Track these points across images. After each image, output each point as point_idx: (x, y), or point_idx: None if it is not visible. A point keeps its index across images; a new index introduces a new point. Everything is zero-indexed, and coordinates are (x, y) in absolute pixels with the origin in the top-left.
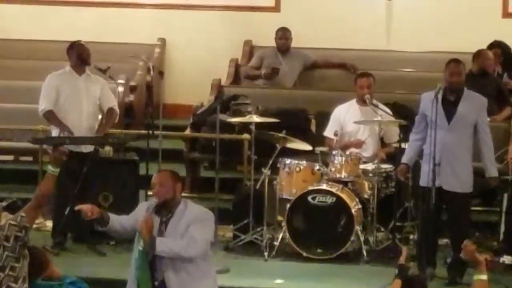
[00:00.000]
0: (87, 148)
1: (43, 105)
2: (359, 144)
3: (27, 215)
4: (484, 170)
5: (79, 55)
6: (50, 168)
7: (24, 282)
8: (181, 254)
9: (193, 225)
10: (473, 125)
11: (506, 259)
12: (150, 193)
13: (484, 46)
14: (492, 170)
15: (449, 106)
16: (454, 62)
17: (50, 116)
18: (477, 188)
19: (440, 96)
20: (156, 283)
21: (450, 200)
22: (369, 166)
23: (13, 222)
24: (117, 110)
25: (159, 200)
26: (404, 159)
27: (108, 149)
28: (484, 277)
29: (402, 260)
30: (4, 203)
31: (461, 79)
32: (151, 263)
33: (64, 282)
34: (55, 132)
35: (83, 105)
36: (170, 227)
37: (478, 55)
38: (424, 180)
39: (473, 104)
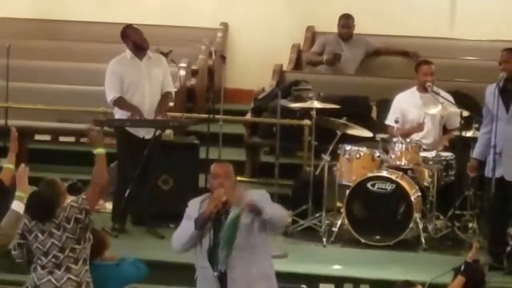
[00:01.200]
0: (148, 135)
1: (111, 94)
2: (420, 127)
3: (88, 198)
4: None
5: (134, 42)
6: (97, 150)
7: (85, 264)
8: (283, 218)
9: (266, 201)
10: None
11: None
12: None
13: None
14: None
15: (508, 96)
16: (505, 50)
17: (121, 103)
18: None
19: (500, 86)
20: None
21: (509, 189)
22: (430, 154)
23: (74, 204)
24: (173, 95)
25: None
26: (475, 154)
27: (169, 133)
28: None
29: (471, 257)
30: (65, 184)
31: (511, 66)
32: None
33: (122, 263)
34: (119, 115)
35: (145, 90)
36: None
37: None
38: (487, 170)
39: None
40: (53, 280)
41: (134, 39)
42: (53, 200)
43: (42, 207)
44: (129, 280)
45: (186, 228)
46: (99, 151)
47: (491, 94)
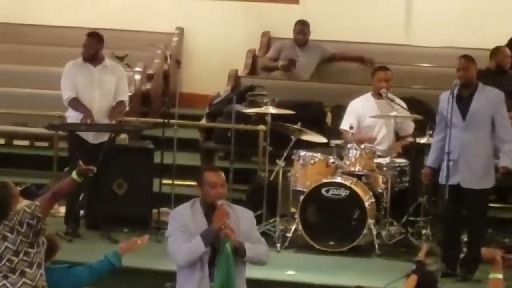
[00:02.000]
0: (99, 139)
1: (67, 94)
2: (371, 140)
3: (41, 205)
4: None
5: (83, 52)
6: (75, 176)
7: (40, 268)
8: (263, 259)
9: (253, 229)
10: (489, 120)
11: None
12: (165, 181)
13: (505, 42)
14: (503, 160)
15: (464, 102)
16: (462, 57)
17: (76, 103)
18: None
19: (455, 93)
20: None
21: (467, 197)
22: (384, 160)
23: (27, 209)
24: (127, 104)
25: (222, 201)
26: (428, 161)
27: (123, 137)
28: (500, 276)
29: (421, 256)
30: (18, 188)
31: (468, 73)
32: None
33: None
34: (70, 119)
35: (95, 95)
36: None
37: (495, 52)
38: (442, 177)
39: (487, 98)
40: (8, 285)
41: (84, 50)
42: (4, 202)
43: None
44: (81, 283)
45: (193, 244)
46: (79, 179)
47: (446, 101)
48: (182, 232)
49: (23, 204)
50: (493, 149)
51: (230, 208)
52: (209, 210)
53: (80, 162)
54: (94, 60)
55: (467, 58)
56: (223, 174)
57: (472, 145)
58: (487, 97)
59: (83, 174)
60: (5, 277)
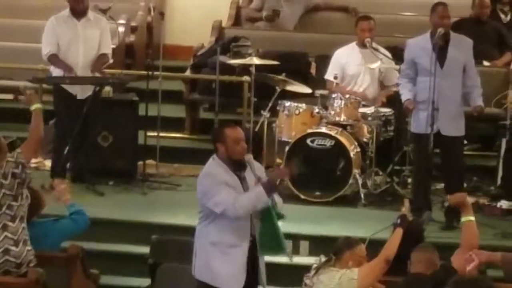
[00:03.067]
0: (84, 94)
1: (47, 49)
2: (364, 96)
3: (23, 151)
4: (470, 102)
5: (70, 6)
6: (34, 106)
7: (22, 222)
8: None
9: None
10: (462, 68)
11: (503, 203)
12: (150, 134)
13: None
14: (478, 100)
15: (440, 51)
16: (442, 5)
17: (55, 59)
18: (470, 132)
19: (439, 42)
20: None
21: (447, 144)
22: (369, 110)
23: (10, 159)
24: (109, 57)
25: (243, 157)
26: (407, 95)
27: (108, 90)
28: (472, 218)
29: (404, 211)
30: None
31: (450, 22)
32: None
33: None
34: (55, 72)
35: (79, 51)
36: (247, 182)
37: (475, 1)
38: (422, 127)
39: (461, 46)
40: None
41: (70, 3)
42: None
43: None
44: (67, 234)
45: (255, 194)
46: (37, 106)
47: (419, 48)
48: (227, 187)
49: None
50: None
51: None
52: (234, 165)
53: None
54: (79, 14)
55: (446, 6)
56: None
57: (450, 92)
58: (460, 45)
59: (32, 101)
60: None
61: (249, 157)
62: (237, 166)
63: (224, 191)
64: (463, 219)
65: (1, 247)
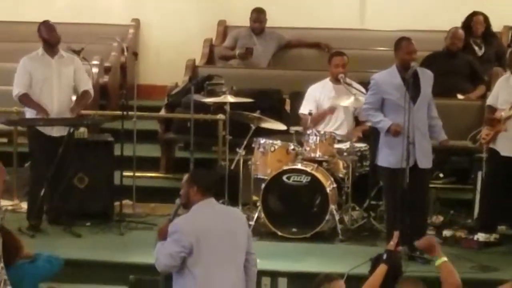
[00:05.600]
0: (59, 132)
1: (17, 89)
2: (331, 110)
3: None
4: (436, 138)
5: (44, 39)
6: None
7: (0, 262)
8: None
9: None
10: (428, 101)
11: (480, 236)
12: (126, 174)
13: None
14: (442, 135)
15: (412, 87)
16: (406, 41)
17: (26, 100)
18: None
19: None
20: None
21: (420, 177)
22: (344, 145)
23: None
24: (92, 92)
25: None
26: (387, 121)
27: (82, 131)
28: (444, 258)
29: (392, 245)
30: None
31: (417, 57)
32: None
33: (37, 260)
34: (29, 114)
35: (54, 89)
36: None
37: (448, 33)
38: (396, 161)
39: (427, 80)
40: None
41: (44, 35)
42: None
43: None
44: (44, 276)
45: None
46: None
47: (388, 84)
48: None
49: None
50: None
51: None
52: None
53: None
54: (53, 50)
55: (410, 40)
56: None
57: (421, 126)
58: (427, 79)
59: None
60: None
61: (176, 201)
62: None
63: None
64: (437, 262)
65: None
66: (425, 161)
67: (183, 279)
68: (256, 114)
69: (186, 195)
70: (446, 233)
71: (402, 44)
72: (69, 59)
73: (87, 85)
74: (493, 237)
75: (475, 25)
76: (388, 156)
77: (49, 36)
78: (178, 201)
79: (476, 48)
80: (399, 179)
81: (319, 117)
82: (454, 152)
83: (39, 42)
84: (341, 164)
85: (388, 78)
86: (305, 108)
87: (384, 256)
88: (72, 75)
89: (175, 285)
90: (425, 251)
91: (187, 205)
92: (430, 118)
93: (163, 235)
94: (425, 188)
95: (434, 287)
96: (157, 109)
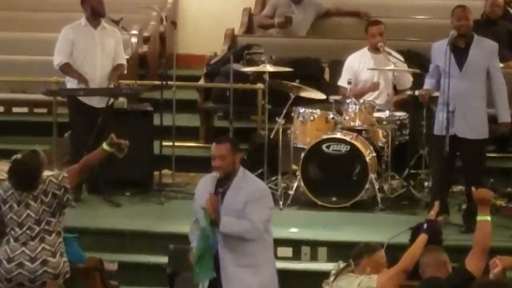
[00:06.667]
0: (100, 104)
1: (59, 59)
2: (375, 87)
3: (69, 176)
4: (497, 116)
5: (92, 7)
6: (105, 146)
7: (59, 236)
8: (243, 236)
9: (250, 204)
10: (485, 71)
11: None
12: (165, 143)
13: None
14: (504, 116)
15: (460, 53)
16: (460, 7)
17: (67, 69)
18: (489, 135)
19: (451, 44)
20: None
21: (464, 147)
22: (383, 114)
23: (53, 180)
24: (125, 67)
25: (220, 174)
26: (425, 86)
27: (122, 100)
28: (488, 218)
29: (433, 215)
30: (19, 156)
31: (469, 23)
32: None
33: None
34: (70, 84)
35: (97, 58)
36: (227, 200)
37: (488, 1)
38: (438, 128)
39: (483, 49)
40: (27, 251)
41: (93, 4)
42: (37, 170)
43: (26, 176)
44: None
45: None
46: (108, 148)
47: (441, 51)
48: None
49: (48, 173)
50: (486, 100)
51: (242, 176)
52: (219, 180)
53: (112, 135)
54: (96, 21)
55: (464, 8)
56: (225, 146)
57: (468, 95)
58: (483, 48)
59: (115, 146)
60: (24, 244)
61: (214, 174)
62: (220, 181)
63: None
64: (479, 218)
65: (39, 258)
66: (468, 131)
67: (263, 240)
68: (295, 83)
69: (231, 164)
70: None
71: (454, 11)
72: (110, 31)
73: (122, 58)
74: None
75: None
76: (434, 123)
77: (99, 7)
78: (215, 174)
79: None
80: (439, 146)
81: (361, 93)
82: (492, 119)
83: (79, 12)
84: (380, 133)
85: (441, 45)
86: (344, 79)
87: (425, 226)
88: (114, 47)
89: (254, 253)
90: (477, 202)
91: (227, 176)
92: (491, 90)
93: (215, 211)
94: (471, 158)
95: None
96: (196, 78)
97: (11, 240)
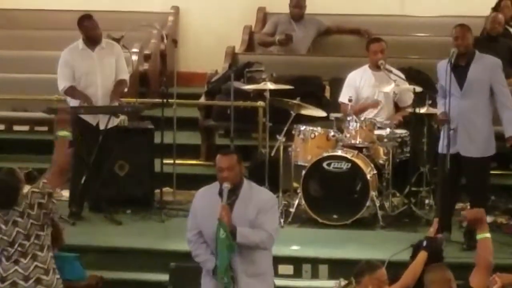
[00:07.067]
0: (103, 123)
1: (62, 84)
2: (375, 105)
3: (49, 181)
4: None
5: (87, 36)
6: (59, 133)
7: (49, 251)
8: (259, 245)
9: (263, 213)
10: (488, 88)
11: None
12: (166, 161)
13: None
14: (509, 130)
15: (461, 71)
16: (458, 26)
17: (72, 92)
18: (497, 151)
19: (452, 62)
20: None
21: (467, 165)
22: (384, 132)
23: (35, 190)
24: (127, 82)
25: (229, 185)
26: (441, 108)
27: (123, 118)
28: (487, 235)
29: (432, 232)
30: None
31: (466, 42)
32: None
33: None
34: (73, 103)
35: (97, 81)
36: (237, 211)
37: (488, 18)
38: (441, 147)
39: (484, 66)
40: (20, 270)
41: (88, 33)
42: (15, 187)
43: (7, 195)
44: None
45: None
46: (64, 134)
47: (443, 70)
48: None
49: (26, 189)
50: (493, 116)
51: (248, 186)
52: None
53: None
54: (95, 42)
55: (463, 26)
56: (232, 158)
57: (471, 113)
58: (484, 65)
59: (64, 124)
60: (16, 262)
61: (225, 185)
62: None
63: (189, 221)
64: (479, 236)
65: (33, 277)
66: (472, 149)
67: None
68: (296, 101)
69: (239, 175)
70: (487, 218)
71: (453, 31)
72: (109, 48)
73: (124, 73)
74: None
75: (502, 10)
76: (435, 140)
77: (94, 35)
78: (226, 185)
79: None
80: (441, 165)
81: (362, 110)
82: (499, 137)
83: (79, 30)
84: (381, 150)
85: (444, 64)
86: (345, 96)
87: (424, 243)
88: (114, 65)
89: (261, 261)
90: (471, 224)
91: (235, 186)
92: (496, 106)
93: (229, 221)
94: (474, 176)
95: None
96: (197, 96)
97: (3, 259)
